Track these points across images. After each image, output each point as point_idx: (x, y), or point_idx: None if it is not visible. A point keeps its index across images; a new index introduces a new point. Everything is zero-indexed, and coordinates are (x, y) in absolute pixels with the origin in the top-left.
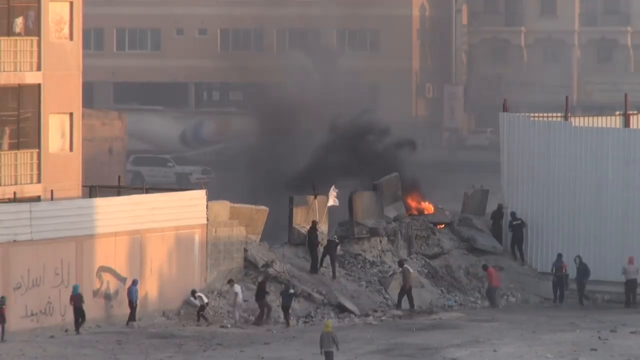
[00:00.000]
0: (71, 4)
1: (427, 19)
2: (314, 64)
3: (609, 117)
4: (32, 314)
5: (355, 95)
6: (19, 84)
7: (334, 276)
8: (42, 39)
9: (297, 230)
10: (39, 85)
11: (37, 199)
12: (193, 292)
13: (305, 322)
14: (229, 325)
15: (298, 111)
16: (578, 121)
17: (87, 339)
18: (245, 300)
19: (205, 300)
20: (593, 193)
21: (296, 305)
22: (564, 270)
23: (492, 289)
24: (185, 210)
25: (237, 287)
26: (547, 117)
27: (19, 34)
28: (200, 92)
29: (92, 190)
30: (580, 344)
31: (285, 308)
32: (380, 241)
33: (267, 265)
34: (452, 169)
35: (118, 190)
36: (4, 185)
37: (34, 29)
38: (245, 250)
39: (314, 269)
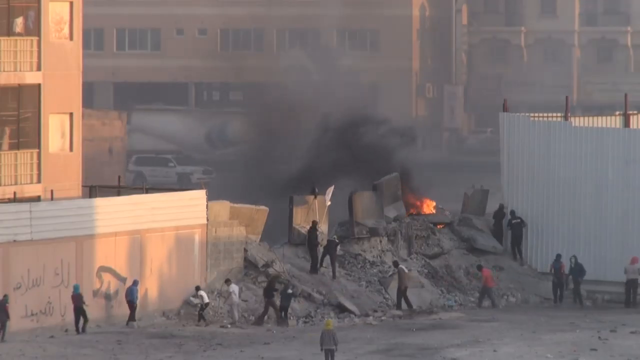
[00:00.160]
0: (71, 4)
1: (427, 19)
2: (314, 64)
3: (609, 117)
4: (32, 314)
5: (356, 95)
6: (19, 84)
7: (334, 276)
8: (42, 39)
9: (297, 230)
10: (39, 85)
11: (37, 199)
12: (197, 288)
13: (305, 322)
14: (229, 325)
15: (298, 111)
16: (578, 121)
17: (87, 339)
18: (245, 300)
19: (206, 300)
20: (593, 193)
21: (296, 305)
22: (563, 271)
23: (486, 290)
24: (185, 210)
25: (233, 287)
26: (547, 117)
27: (19, 34)
28: (200, 92)
29: (92, 190)
30: (580, 344)
31: (284, 308)
32: (380, 241)
33: (267, 265)
34: (452, 169)
35: (118, 190)
36: (4, 185)
37: (34, 29)
38: (245, 250)
39: (314, 269)
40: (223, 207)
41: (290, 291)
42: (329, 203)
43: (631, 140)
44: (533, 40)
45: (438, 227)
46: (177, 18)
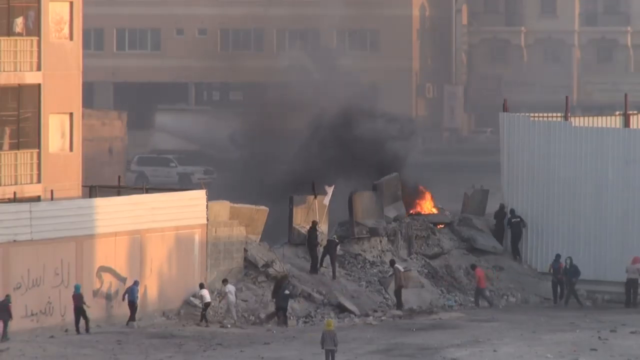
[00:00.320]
0: (71, 4)
1: (427, 19)
2: (314, 64)
3: (609, 117)
4: (32, 314)
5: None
6: (19, 84)
7: (334, 276)
8: (42, 39)
9: (297, 230)
10: (39, 85)
11: (37, 199)
12: (201, 286)
13: (305, 322)
14: (229, 325)
15: (298, 111)
16: (578, 121)
17: (87, 339)
18: (244, 300)
19: (207, 299)
20: (593, 193)
21: (296, 305)
22: (561, 271)
23: (480, 290)
24: (185, 210)
25: (229, 287)
26: (547, 117)
27: (19, 34)
28: (200, 92)
29: (92, 190)
30: (580, 344)
31: (282, 309)
32: (380, 241)
33: (267, 265)
34: (452, 169)
35: (118, 190)
36: (4, 185)
37: (34, 29)
38: (245, 250)
39: (314, 269)
40: (223, 207)
41: (287, 292)
42: (327, 203)
43: (631, 140)
44: (533, 40)
45: (438, 227)
46: (177, 18)
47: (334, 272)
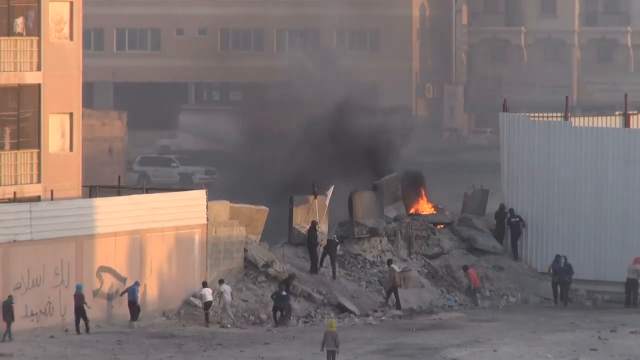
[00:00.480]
0: (71, 4)
1: (427, 19)
2: (314, 64)
3: (609, 117)
4: (32, 314)
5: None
6: (19, 84)
7: (334, 276)
8: (42, 39)
9: (297, 230)
10: (39, 85)
11: (37, 199)
12: (204, 284)
13: (305, 322)
14: (229, 325)
15: (298, 111)
16: (578, 121)
17: (87, 339)
18: (244, 300)
19: (208, 298)
20: (593, 193)
21: (296, 305)
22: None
23: (472, 290)
24: (185, 210)
25: (225, 287)
26: (547, 117)
27: (19, 34)
28: (200, 92)
29: (92, 190)
30: (580, 344)
31: (277, 309)
32: (380, 241)
33: (267, 265)
34: (452, 169)
35: (118, 190)
36: (4, 185)
37: (34, 29)
38: (245, 250)
39: (314, 269)
40: (223, 207)
41: (284, 293)
42: (327, 203)
43: (631, 140)
44: (533, 40)
45: (438, 227)
46: (177, 18)
47: (334, 272)
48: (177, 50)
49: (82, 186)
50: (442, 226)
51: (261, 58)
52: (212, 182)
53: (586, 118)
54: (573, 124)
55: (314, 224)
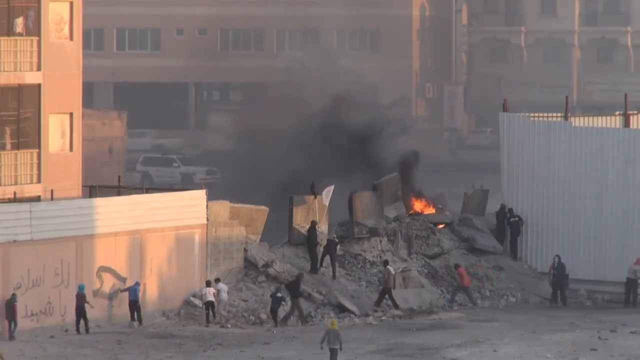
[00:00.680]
0: (71, 4)
1: (427, 19)
2: (313, 64)
3: (609, 117)
4: (32, 314)
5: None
6: (19, 84)
7: (334, 276)
8: (42, 39)
9: (297, 230)
10: (39, 85)
11: (37, 199)
12: (208, 283)
13: (305, 322)
14: (229, 325)
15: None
16: (578, 121)
17: (87, 339)
18: (244, 300)
19: (209, 298)
20: (593, 193)
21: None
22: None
23: (463, 289)
24: (185, 210)
25: (221, 285)
26: (547, 117)
27: (19, 34)
28: (200, 92)
29: (92, 190)
30: (580, 344)
31: (274, 311)
32: (380, 241)
33: (267, 265)
34: (452, 169)
35: (118, 190)
36: (4, 185)
37: (34, 29)
38: (245, 250)
39: (313, 269)
40: (223, 207)
41: (279, 294)
42: (326, 203)
43: (631, 140)
44: (533, 40)
45: (438, 227)
46: (177, 18)
47: (334, 272)
48: (177, 50)
49: (82, 186)
50: (442, 226)
51: (261, 58)
52: (214, 182)
53: (586, 118)
54: (573, 124)
55: (313, 224)
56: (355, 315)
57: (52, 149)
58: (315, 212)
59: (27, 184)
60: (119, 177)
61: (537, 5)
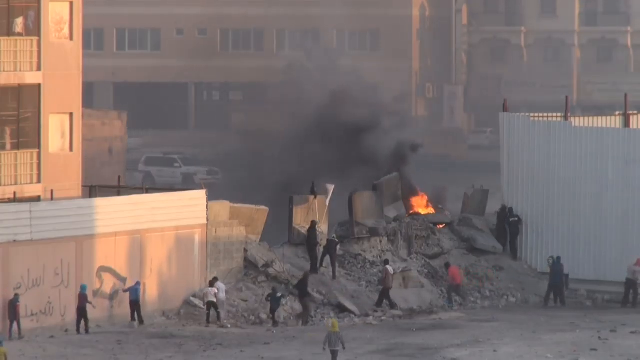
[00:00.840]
0: (71, 4)
1: (427, 19)
2: (313, 63)
3: (609, 117)
4: (32, 314)
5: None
6: (19, 84)
7: (334, 276)
8: (42, 39)
9: (297, 230)
10: (39, 85)
11: (37, 199)
12: (211, 283)
13: (306, 323)
14: (229, 325)
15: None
16: (578, 121)
17: (87, 339)
18: (244, 300)
19: (209, 298)
20: (593, 193)
21: (296, 305)
22: (562, 271)
23: (455, 287)
24: (185, 210)
25: (219, 285)
26: (547, 117)
27: (19, 34)
28: (200, 92)
29: (92, 190)
30: (580, 344)
31: (273, 311)
32: (380, 241)
33: (267, 265)
34: (452, 169)
35: (118, 190)
36: (4, 185)
37: (34, 29)
38: (245, 250)
39: (313, 269)
40: (223, 207)
41: (279, 294)
42: (327, 203)
43: (631, 140)
44: (533, 40)
45: (438, 227)
46: (177, 18)
47: (334, 272)
48: (177, 50)
49: (82, 186)
50: (442, 226)
51: (261, 58)
52: (215, 183)
53: (586, 118)
54: (573, 124)
55: (313, 224)
56: (355, 315)
57: (52, 149)
58: (315, 212)
59: (27, 184)
60: (119, 177)
61: (537, 5)
